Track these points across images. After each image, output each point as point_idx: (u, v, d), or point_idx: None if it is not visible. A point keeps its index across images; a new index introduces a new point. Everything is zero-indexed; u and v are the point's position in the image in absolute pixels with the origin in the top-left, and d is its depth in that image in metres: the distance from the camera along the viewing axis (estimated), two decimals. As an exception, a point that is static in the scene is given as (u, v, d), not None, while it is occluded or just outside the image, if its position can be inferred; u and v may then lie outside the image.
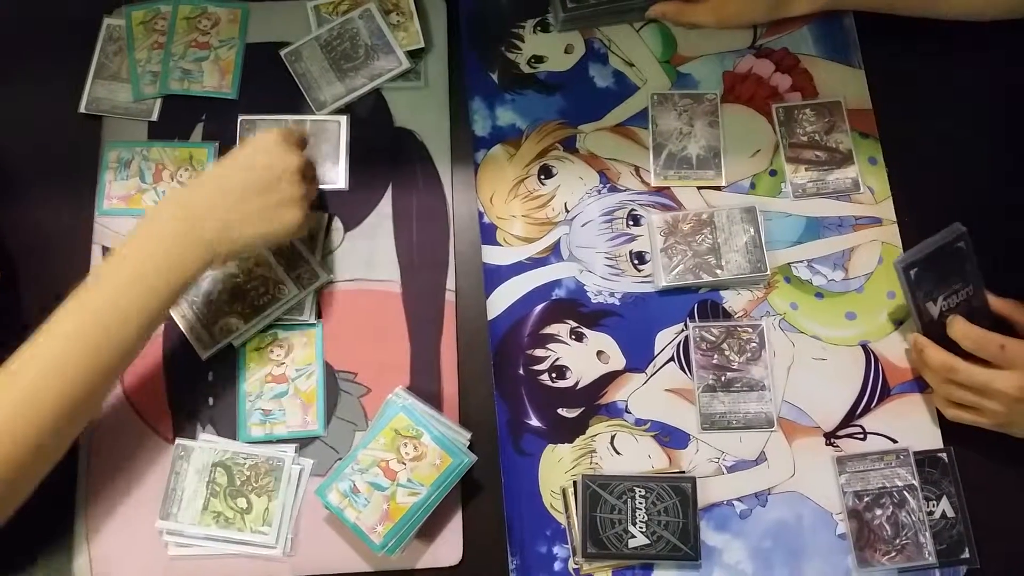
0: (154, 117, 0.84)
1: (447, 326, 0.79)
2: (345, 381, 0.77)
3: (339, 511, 0.69)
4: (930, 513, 0.74)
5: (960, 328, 0.73)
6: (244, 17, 0.88)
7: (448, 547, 0.73)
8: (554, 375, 0.78)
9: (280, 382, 0.77)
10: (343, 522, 0.69)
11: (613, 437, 0.76)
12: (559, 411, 0.77)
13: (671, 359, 0.79)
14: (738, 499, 0.75)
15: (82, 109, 0.84)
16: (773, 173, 0.85)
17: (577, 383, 0.78)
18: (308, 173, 0.75)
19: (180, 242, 0.67)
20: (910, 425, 0.77)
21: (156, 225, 0.68)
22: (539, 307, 0.80)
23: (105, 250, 0.80)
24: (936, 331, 0.75)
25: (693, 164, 0.84)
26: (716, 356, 0.78)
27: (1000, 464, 0.76)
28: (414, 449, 0.70)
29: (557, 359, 0.79)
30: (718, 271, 0.80)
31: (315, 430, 0.76)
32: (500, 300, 0.80)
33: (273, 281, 0.78)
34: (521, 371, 0.78)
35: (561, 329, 0.79)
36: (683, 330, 0.79)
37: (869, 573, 0.73)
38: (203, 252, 0.68)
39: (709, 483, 0.75)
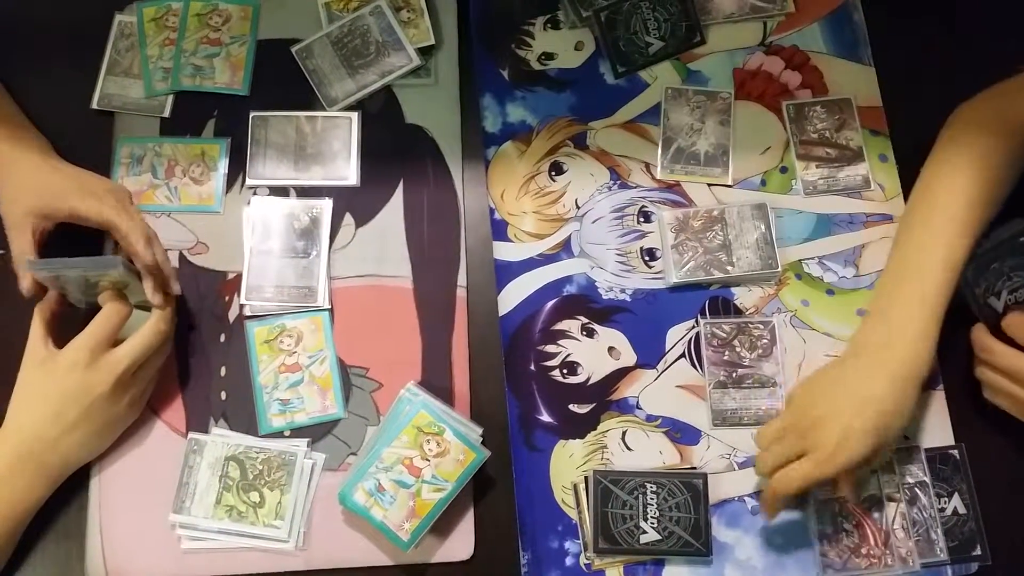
0: (166, 113, 0.84)
1: (458, 322, 0.79)
2: (357, 376, 0.77)
3: (365, 511, 0.69)
4: (942, 510, 0.74)
5: (1010, 320, 0.71)
6: (255, 14, 0.88)
7: (460, 542, 0.73)
8: (565, 371, 0.78)
9: (294, 371, 0.77)
10: (369, 521, 0.69)
11: (624, 433, 0.77)
12: (570, 407, 0.77)
13: (682, 355, 0.79)
14: (750, 495, 0.75)
15: (94, 105, 0.84)
16: (784, 170, 0.85)
17: (588, 379, 0.78)
18: (145, 372, 0.71)
19: (12, 472, 0.67)
20: (922, 422, 0.77)
21: None
22: (550, 303, 0.80)
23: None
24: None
25: (700, 161, 0.84)
26: (727, 352, 0.78)
27: (1012, 460, 0.76)
28: (437, 445, 0.70)
29: (568, 355, 0.79)
30: (729, 268, 0.80)
31: (336, 413, 0.76)
32: (511, 296, 0.80)
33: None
34: (532, 367, 0.78)
35: (572, 325, 0.79)
36: (694, 326, 0.79)
37: (880, 569, 0.73)
38: (40, 477, 0.68)
39: (721, 479, 0.75)
